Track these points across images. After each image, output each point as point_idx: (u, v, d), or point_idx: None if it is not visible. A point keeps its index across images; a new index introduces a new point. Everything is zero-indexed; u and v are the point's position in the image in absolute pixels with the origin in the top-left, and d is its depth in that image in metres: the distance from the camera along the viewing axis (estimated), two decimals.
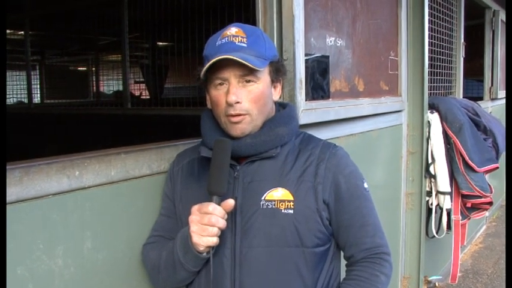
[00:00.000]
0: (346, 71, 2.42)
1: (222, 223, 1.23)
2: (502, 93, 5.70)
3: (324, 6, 2.21)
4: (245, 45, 1.31)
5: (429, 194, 3.36)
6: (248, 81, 1.31)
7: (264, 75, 1.34)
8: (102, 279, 1.36)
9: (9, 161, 1.19)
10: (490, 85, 5.38)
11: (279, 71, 1.40)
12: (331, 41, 2.26)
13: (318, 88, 2.17)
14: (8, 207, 1.12)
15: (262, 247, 1.30)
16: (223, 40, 1.32)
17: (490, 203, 3.38)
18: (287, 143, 1.39)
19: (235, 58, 1.25)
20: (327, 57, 2.24)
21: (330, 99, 2.25)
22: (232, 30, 1.34)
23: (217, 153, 1.26)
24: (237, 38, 1.32)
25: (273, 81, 1.39)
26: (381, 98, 2.80)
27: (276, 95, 1.43)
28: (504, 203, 6.33)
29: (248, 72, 1.29)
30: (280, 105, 1.48)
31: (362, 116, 2.55)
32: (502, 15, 5.47)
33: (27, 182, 1.16)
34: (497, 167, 3.47)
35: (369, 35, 2.66)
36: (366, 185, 1.43)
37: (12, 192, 1.13)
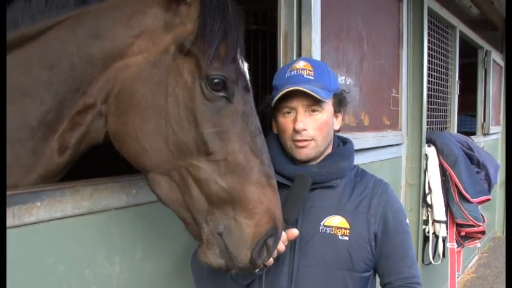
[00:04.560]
0: (354, 107, 2.64)
1: (283, 248, 1.37)
2: (494, 129, 5.95)
3: (336, 48, 2.45)
4: (312, 78, 1.48)
5: (426, 222, 3.56)
6: (314, 111, 1.47)
7: (328, 106, 1.51)
8: (148, 286, 1.54)
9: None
10: (482, 121, 5.64)
11: (341, 102, 1.57)
12: (341, 80, 2.49)
13: None
14: (80, 218, 1.32)
15: (318, 267, 1.46)
16: (293, 72, 1.50)
17: (483, 232, 3.59)
18: (345, 175, 1.57)
19: (304, 89, 1.43)
20: None
21: (340, 133, 2.44)
22: (301, 63, 1.53)
23: (297, 186, 1.43)
24: (305, 71, 1.49)
25: (335, 111, 1.56)
26: (383, 132, 3.02)
27: (337, 124, 1.60)
28: (495, 235, 6.55)
29: (314, 103, 1.46)
30: (339, 139, 1.65)
31: (367, 148, 2.76)
32: (494, 55, 5.75)
33: (96, 197, 1.36)
34: (489, 199, 3.69)
35: (374, 74, 2.89)
36: (407, 221, 1.61)
37: (84, 205, 1.33)
